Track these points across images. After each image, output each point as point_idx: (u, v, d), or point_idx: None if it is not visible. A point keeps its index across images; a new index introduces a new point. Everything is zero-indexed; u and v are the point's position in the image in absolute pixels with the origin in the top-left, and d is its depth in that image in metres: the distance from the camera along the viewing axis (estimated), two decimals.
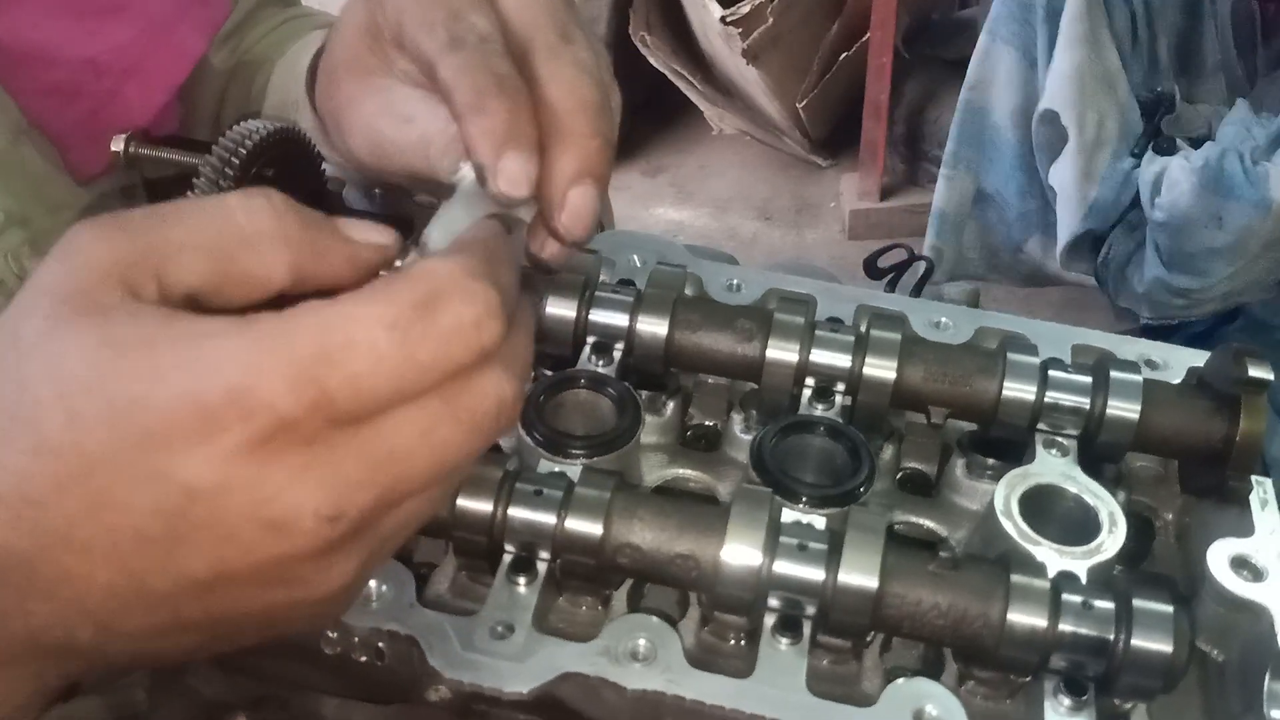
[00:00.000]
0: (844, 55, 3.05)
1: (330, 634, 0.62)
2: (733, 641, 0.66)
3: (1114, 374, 0.71)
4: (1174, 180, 2.03)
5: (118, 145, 0.75)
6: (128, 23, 0.86)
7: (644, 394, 0.77)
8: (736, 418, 0.78)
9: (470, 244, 0.51)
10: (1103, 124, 2.10)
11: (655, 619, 0.62)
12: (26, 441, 0.42)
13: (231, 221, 0.47)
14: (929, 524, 0.74)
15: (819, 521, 0.65)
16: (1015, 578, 0.60)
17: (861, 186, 3.18)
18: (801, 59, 3.05)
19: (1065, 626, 0.59)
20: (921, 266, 1.03)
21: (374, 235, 0.51)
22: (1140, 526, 0.78)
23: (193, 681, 0.65)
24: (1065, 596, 0.60)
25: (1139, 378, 0.71)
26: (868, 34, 2.89)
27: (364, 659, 0.63)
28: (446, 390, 0.45)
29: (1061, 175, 2.15)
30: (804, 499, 0.66)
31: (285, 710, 0.64)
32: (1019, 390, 0.72)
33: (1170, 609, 0.59)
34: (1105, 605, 0.59)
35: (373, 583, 0.63)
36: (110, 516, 0.43)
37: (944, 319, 0.81)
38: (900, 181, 3.21)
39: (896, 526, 0.74)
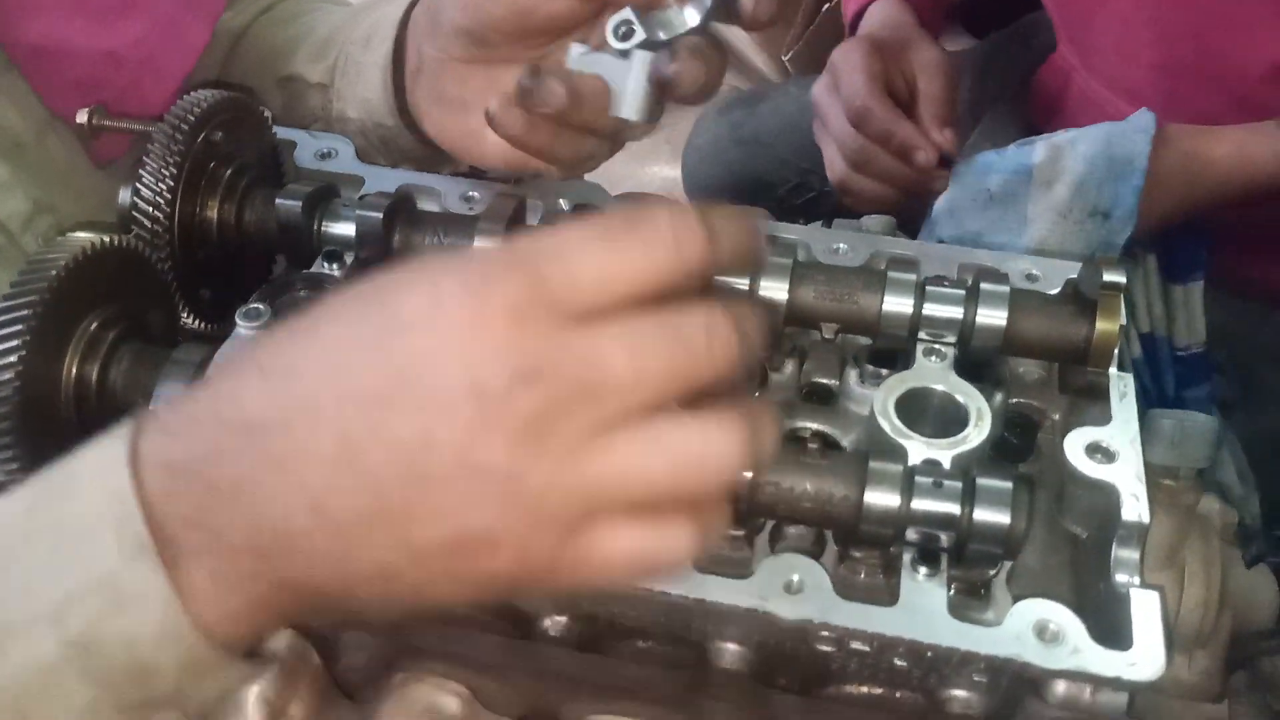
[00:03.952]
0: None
1: None
2: None
3: (984, 285, 0.78)
4: None
5: (82, 118, 0.83)
6: (141, 18, 0.93)
7: None
8: None
9: None
10: None
11: None
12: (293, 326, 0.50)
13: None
14: (825, 429, 0.82)
15: None
16: (873, 464, 0.68)
17: None
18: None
19: (916, 504, 0.66)
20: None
21: None
22: (1024, 426, 0.85)
23: None
24: (919, 478, 0.67)
25: (1006, 288, 0.78)
26: None
27: None
28: (652, 309, 0.49)
29: None
30: None
31: None
32: (897, 304, 0.79)
33: (1009, 484, 0.66)
34: (954, 484, 0.67)
35: None
36: (344, 382, 0.48)
37: (842, 245, 0.88)
38: None
39: (798, 432, 0.82)
